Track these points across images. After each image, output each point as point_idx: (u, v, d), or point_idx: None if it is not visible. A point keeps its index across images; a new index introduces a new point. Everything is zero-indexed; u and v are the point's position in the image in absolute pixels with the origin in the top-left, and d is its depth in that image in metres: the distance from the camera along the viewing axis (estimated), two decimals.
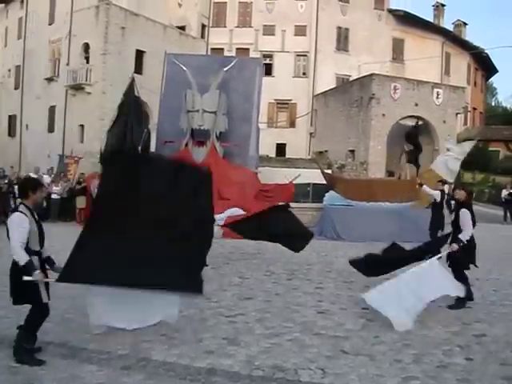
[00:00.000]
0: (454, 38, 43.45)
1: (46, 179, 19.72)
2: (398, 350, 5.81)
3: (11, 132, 39.12)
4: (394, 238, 14.58)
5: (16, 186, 17.57)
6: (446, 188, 16.04)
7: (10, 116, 39.30)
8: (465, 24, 47.42)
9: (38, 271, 5.09)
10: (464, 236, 7.69)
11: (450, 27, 45.97)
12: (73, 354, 5.46)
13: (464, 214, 7.81)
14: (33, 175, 19.62)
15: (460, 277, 7.89)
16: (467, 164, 33.38)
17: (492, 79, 59.26)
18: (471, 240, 7.92)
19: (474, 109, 47.35)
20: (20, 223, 5.13)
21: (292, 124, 37.96)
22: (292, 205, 18.08)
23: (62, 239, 14.45)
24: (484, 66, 49.23)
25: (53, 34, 33.54)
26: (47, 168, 22.76)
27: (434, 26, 42.07)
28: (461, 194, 8.12)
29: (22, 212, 5.22)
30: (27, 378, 4.83)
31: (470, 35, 47.99)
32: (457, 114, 30.13)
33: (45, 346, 5.60)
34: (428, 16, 43.89)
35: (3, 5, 40.48)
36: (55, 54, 34.07)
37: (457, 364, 5.42)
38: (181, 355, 5.48)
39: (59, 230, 16.37)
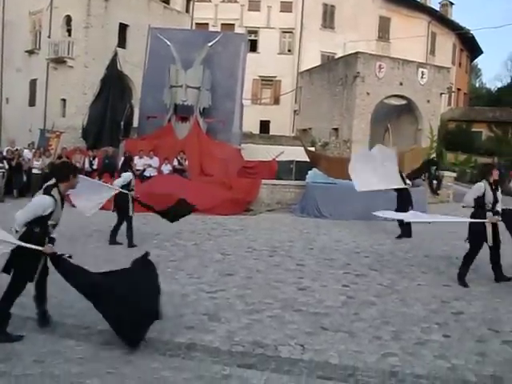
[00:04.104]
0: (441, 18, 43.34)
1: (27, 154, 19.44)
2: (377, 327, 5.86)
3: None
4: (377, 216, 14.69)
5: None
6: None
7: None
8: (451, 4, 47.30)
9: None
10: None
11: (437, 7, 45.88)
12: (52, 330, 5.44)
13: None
14: (9, 147, 19.37)
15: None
16: (450, 144, 33.83)
17: (477, 60, 59.46)
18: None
19: (459, 89, 47.49)
20: (41, 206, 5.18)
21: (276, 101, 37.81)
22: (275, 182, 18.24)
23: None
24: (469, 46, 49.27)
25: (33, 6, 32.80)
26: (28, 142, 22.44)
27: (421, 5, 41.84)
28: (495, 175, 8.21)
29: (52, 196, 5.24)
30: (6, 353, 4.79)
31: (456, 15, 47.98)
32: (441, 94, 30.19)
33: (23, 321, 5.57)
34: None
35: None
36: (36, 25, 33.41)
37: (434, 341, 5.49)
38: (161, 331, 5.46)
39: None
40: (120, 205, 10.33)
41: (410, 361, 4.95)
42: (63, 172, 5.49)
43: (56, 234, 5.48)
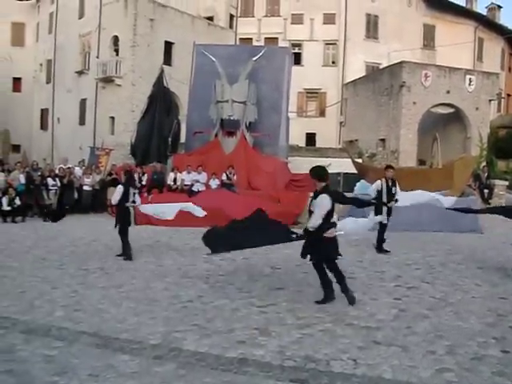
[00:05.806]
0: (488, 23, 42.46)
1: (78, 171, 19.97)
2: (431, 341, 5.72)
3: (43, 125, 39.84)
4: (426, 227, 14.42)
5: (49, 179, 17.85)
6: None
7: (42, 109, 40.01)
8: (499, 7, 46.28)
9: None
10: None
11: (484, 11, 44.97)
12: (106, 344, 5.51)
13: None
14: (61, 165, 19.97)
15: None
16: (501, 152, 32.93)
17: None
18: None
19: (509, 95, 46.27)
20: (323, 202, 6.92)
21: (322, 113, 37.73)
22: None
23: (94, 230, 14.69)
24: None
25: (83, 28, 33.93)
26: (79, 160, 23.04)
27: (467, 11, 41.17)
28: None
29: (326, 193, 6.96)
30: (62, 366, 4.89)
31: (505, 18, 46.90)
32: (490, 100, 29.56)
33: (78, 335, 5.69)
34: (460, 0, 43.05)
35: (35, 0, 41.11)
36: (85, 47, 34.49)
37: (492, 356, 5.29)
38: (212, 345, 5.48)
39: (91, 221, 16.62)
40: (119, 217, 10.38)
41: (466, 377, 4.78)
42: (323, 175, 7.13)
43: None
